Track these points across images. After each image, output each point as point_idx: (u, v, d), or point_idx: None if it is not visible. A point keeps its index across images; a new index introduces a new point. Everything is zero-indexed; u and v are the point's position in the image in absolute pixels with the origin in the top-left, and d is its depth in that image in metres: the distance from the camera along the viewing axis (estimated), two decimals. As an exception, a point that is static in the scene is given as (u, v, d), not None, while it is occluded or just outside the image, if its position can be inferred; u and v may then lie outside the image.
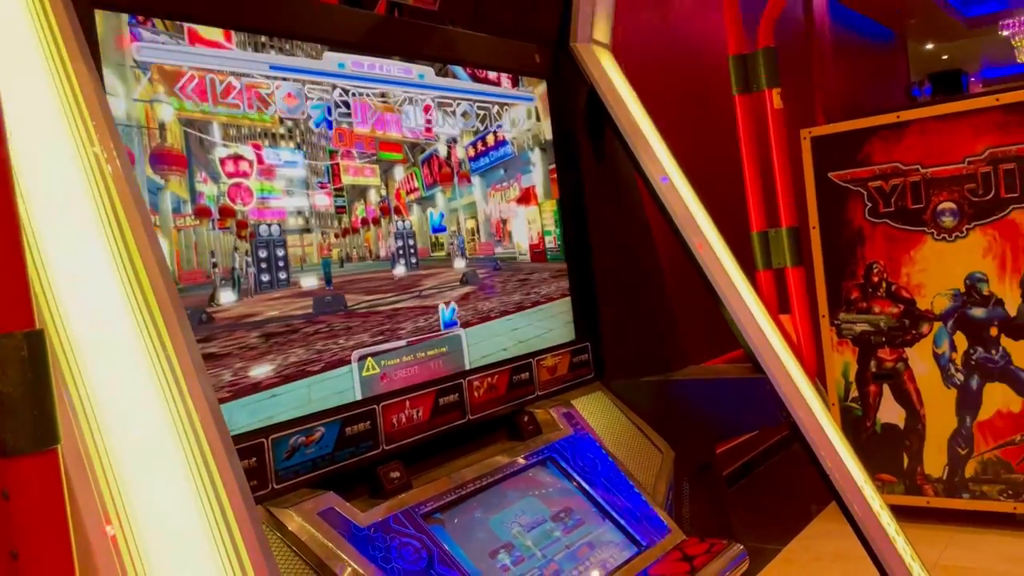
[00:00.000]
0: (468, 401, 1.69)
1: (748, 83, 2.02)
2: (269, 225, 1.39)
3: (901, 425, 3.78)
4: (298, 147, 1.45)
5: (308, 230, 1.45)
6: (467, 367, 1.73)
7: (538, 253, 1.98)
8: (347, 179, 1.55)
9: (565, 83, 2.06)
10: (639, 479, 1.80)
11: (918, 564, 1.90)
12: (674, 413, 2.05)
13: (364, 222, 1.57)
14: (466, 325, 1.75)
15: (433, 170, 1.74)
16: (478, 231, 1.84)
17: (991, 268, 3.51)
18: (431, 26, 1.79)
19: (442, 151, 1.76)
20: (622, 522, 1.65)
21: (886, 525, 1.88)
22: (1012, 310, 3.47)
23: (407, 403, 1.56)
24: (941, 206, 3.60)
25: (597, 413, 1.98)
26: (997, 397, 3.55)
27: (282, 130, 1.42)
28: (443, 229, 1.75)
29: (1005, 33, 8.88)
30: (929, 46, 10.65)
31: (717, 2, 3.51)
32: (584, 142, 2.08)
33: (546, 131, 2.02)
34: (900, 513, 3.87)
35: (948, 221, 3.58)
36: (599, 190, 2.11)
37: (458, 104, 1.80)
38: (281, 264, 1.40)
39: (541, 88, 2.03)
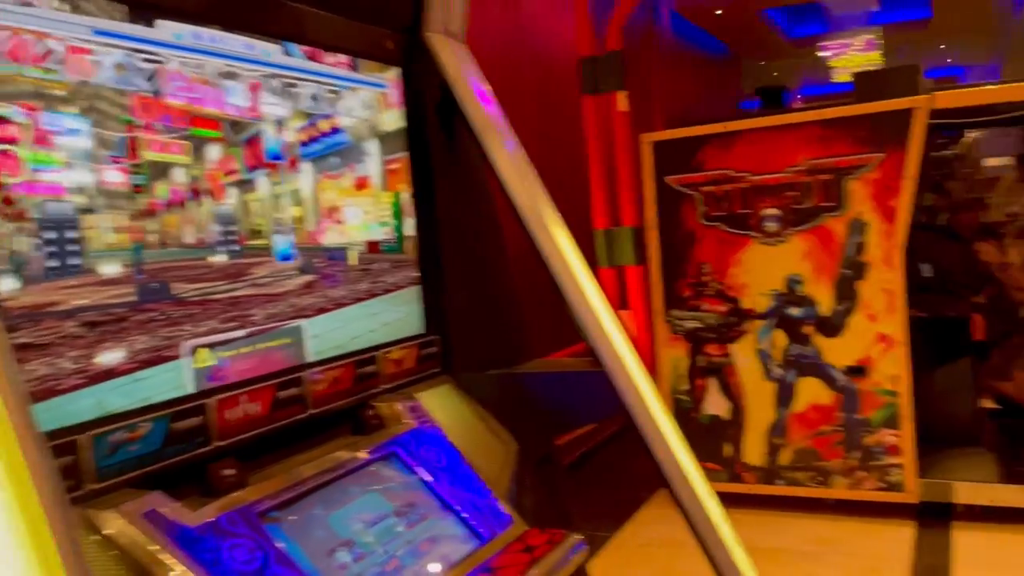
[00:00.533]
0: (310, 395, 1.63)
1: (596, 85, 2.07)
2: (57, 202, 1.26)
3: (725, 416, 4.03)
4: (84, 114, 1.31)
5: (91, 210, 1.31)
6: (309, 359, 1.67)
7: (373, 244, 1.92)
8: (148, 155, 1.42)
9: (418, 72, 2.03)
10: (484, 472, 1.81)
11: (741, 549, 2.02)
12: (518, 406, 2.07)
13: (171, 204, 1.45)
14: (308, 316, 1.69)
15: (256, 152, 1.64)
16: (306, 219, 1.75)
17: (807, 271, 3.79)
18: (278, 1, 1.71)
19: (270, 133, 1.66)
20: (465, 515, 1.65)
21: (713, 513, 1.98)
22: (825, 310, 3.77)
23: (244, 397, 1.48)
24: (766, 212, 3.85)
25: (443, 407, 1.97)
26: (810, 390, 3.85)
27: (64, 93, 1.28)
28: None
29: (824, 54, 9.64)
30: (761, 63, 11.40)
31: (565, 4, 3.58)
32: (436, 133, 2.06)
33: (385, 121, 1.96)
34: (722, 500, 4.11)
35: (772, 226, 3.84)
36: (449, 182, 2.09)
37: (294, 85, 1.72)
38: (75, 248, 1.27)
39: (392, 75, 1.99)
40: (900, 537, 3.61)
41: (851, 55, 9.55)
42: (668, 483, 1.98)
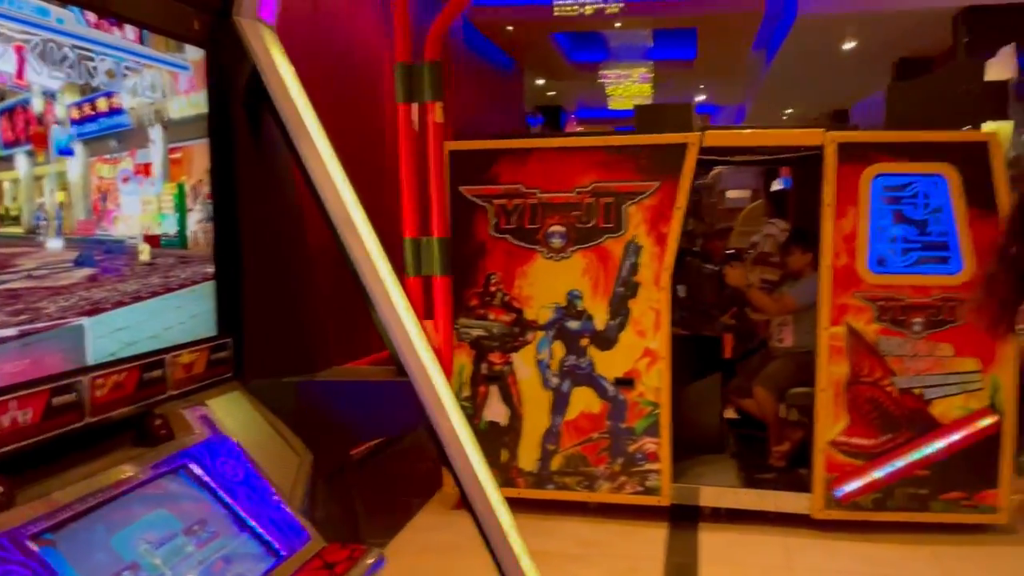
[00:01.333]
0: (88, 401, 1.47)
1: (411, 93, 2.05)
2: None
3: (503, 423, 4.15)
4: None
5: None
6: (89, 362, 1.50)
7: (153, 238, 1.76)
8: None
9: (226, 57, 1.90)
10: (278, 485, 1.72)
11: (528, 555, 2.09)
12: (314, 415, 2.01)
13: None
14: (88, 314, 1.52)
15: (16, 125, 1.45)
16: (73, 206, 1.56)
17: (587, 287, 4.01)
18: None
19: (36, 106, 1.47)
20: (261, 531, 1.57)
21: (505, 521, 2.03)
22: (600, 324, 4.00)
23: (12, 403, 1.31)
24: (552, 228, 4.02)
25: (235, 415, 1.86)
26: (583, 400, 4.07)
27: None
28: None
29: (603, 81, 10.24)
30: (540, 81, 11.90)
31: (377, 8, 3.50)
32: (241, 123, 1.95)
33: (174, 106, 1.81)
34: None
35: (557, 243, 4.01)
36: (252, 175, 1.98)
37: (85, 56, 1.54)
38: None
39: (197, 57, 1.85)
40: (655, 538, 3.90)
41: (627, 84, 10.25)
42: (464, 493, 2.01)
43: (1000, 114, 4.40)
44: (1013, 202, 1.69)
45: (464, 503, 1.99)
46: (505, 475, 4.15)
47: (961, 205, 3.68)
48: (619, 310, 3.98)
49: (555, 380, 4.09)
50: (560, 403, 4.09)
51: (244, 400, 1.94)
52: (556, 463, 4.12)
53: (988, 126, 3.86)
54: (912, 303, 3.74)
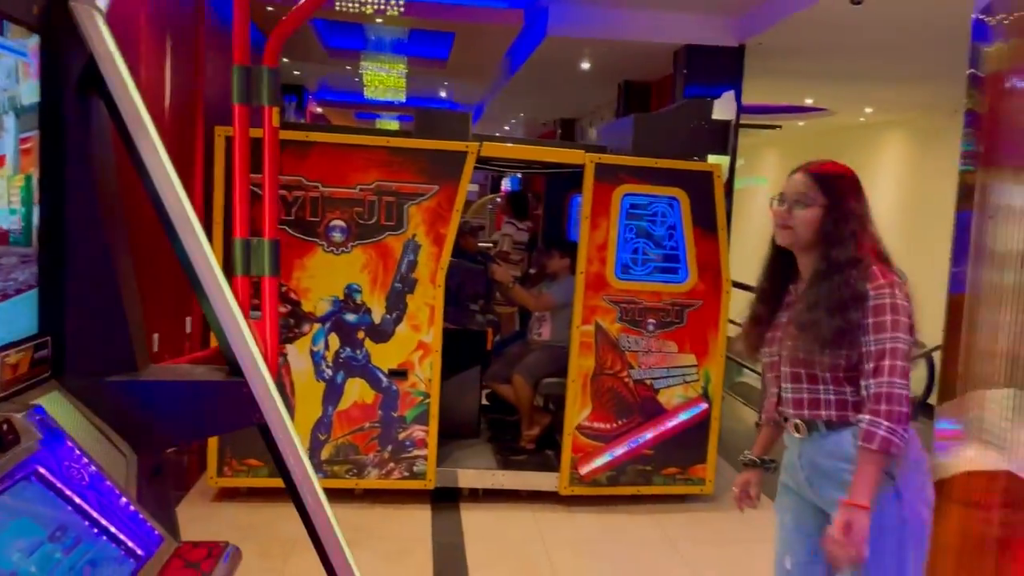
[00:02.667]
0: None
1: (248, 96, 2.10)
2: None
3: (274, 414, 4.15)
4: None
5: None
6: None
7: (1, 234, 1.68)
8: None
9: (59, 44, 1.82)
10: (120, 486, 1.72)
11: (347, 548, 2.23)
12: (137, 415, 1.98)
13: None
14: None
15: None
16: None
17: (366, 281, 4.14)
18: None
19: None
20: (117, 534, 1.57)
21: (331, 518, 2.16)
22: (377, 318, 4.16)
23: None
24: (333, 223, 4.10)
25: (61, 416, 1.80)
26: (356, 390, 4.20)
27: None
28: None
29: (362, 71, 10.24)
30: (285, 60, 11.58)
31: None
32: (74, 112, 1.87)
33: (25, 94, 1.74)
34: (266, 494, 4.20)
35: (337, 237, 4.10)
36: (82, 168, 1.91)
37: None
38: None
39: (33, 43, 1.76)
40: (420, 520, 4.16)
41: (382, 76, 10.35)
42: (296, 489, 2.10)
43: (722, 149, 5.22)
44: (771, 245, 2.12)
45: (293, 499, 2.08)
46: (273, 465, 4.15)
47: (689, 225, 4.34)
48: (396, 305, 4.16)
49: (329, 371, 4.18)
50: (333, 394, 4.19)
51: (66, 401, 1.89)
52: (326, 452, 4.22)
53: (712, 158, 4.57)
54: (648, 306, 4.34)
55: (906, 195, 10.72)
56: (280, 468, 2.07)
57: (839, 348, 1.90)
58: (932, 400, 4.96)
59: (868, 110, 11.08)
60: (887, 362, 1.85)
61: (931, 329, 2.46)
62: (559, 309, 4.59)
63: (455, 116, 4.63)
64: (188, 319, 4.47)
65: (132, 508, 1.66)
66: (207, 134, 4.38)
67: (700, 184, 4.34)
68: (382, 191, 4.11)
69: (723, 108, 5.30)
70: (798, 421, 2.04)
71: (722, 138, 5.18)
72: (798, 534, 2.13)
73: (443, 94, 15.13)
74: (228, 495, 4.22)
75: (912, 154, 11.03)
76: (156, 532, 1.66)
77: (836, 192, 1.99)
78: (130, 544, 1.57)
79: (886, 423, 1.83)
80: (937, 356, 3.39)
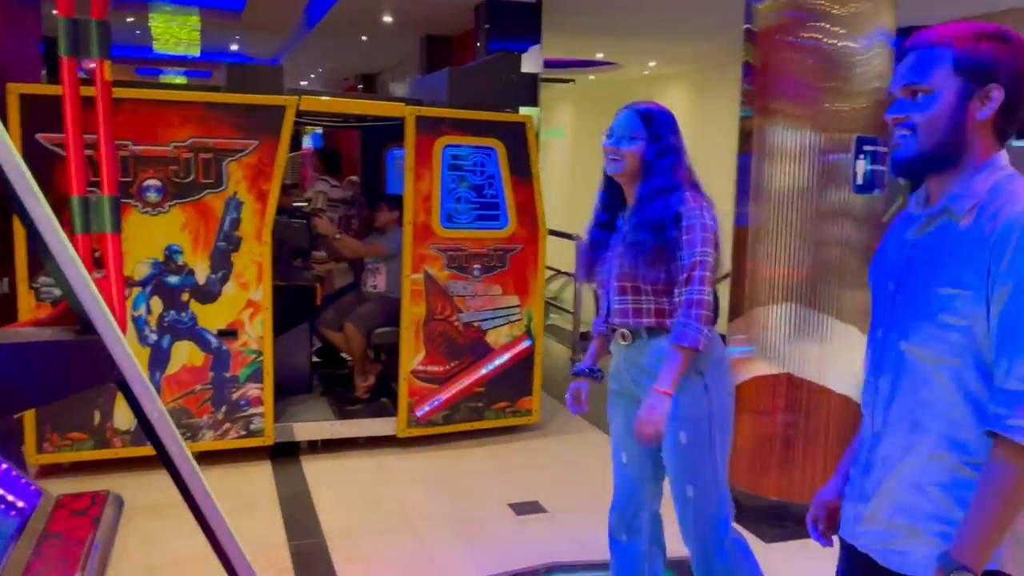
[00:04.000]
0: None
1: (77, 48, 2.05)
2: None
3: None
4: None
5: None
6: None
7: None
8: None
9: None
10: (-13, 448, 1.70)
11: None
12: (-16, 380, 1.93)
13: None
14: None
15: None
16: None
17: (187, 242, 4.04)
18: None
19: None
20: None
21: (200, 475, 2.20)
22: (201, 278, 4.08)
23: None
24: (147, 182, 3.95)
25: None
26: (184, 354, 4.12)
27: None
28: None
29: (151, 24, 9.57)
30: (55, 11, 10.51)
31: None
32: None
33: None
34: (92, 468, 4.07)
35: (153, 197, 3.96)
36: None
37: None
38: None
39: None
40: (262, 475, 4.18)
41: (174, 29, 9.72)
42: (163, 448, 2.12)
43: (532, 101, 5.48)
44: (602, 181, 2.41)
45: (162, 458, 2.10)
46: (99, 437, 4.02)
47: (507, 173, 4.58)
48: (221, 264, 4.10)
49: (154, 336, 4.06)
50: (160, 359, 4.08)
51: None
52: (156, 418, 4.11)
53: (524, 110, 4.82)
54: (472, 252, 4.56)
55: (687, 141, 11.65)
56: (143, 424, 2.09)
57: (659, 263, 2.20)
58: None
59: (652, 63, 11.87)
60: (696, 272, 2.18)
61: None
62: (390, 260, 4.70)
63: (268, 70, 4.56)
64: (5, 280, 4.15)
65: (4, 465, 1.65)
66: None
67: (515, 134, 4.58)
68: (198, 148, 4.01)
69: (531, 61, 5.57)
70: (624, 330, 2.33)
71: (531, 90, 5.46)
72: (625, 429, 2.43)
73: (235, 47, 14.42)
74: (50, 472, 4.02)
75: (691, 104, 11.98)
76: (33, 487, 1.67)
77: (656, 127, 2.28)
78: (10, 498, 1.58)
79: (694, 324, 2.16)
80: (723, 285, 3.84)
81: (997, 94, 1.29)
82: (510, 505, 3.88)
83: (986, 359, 1.25)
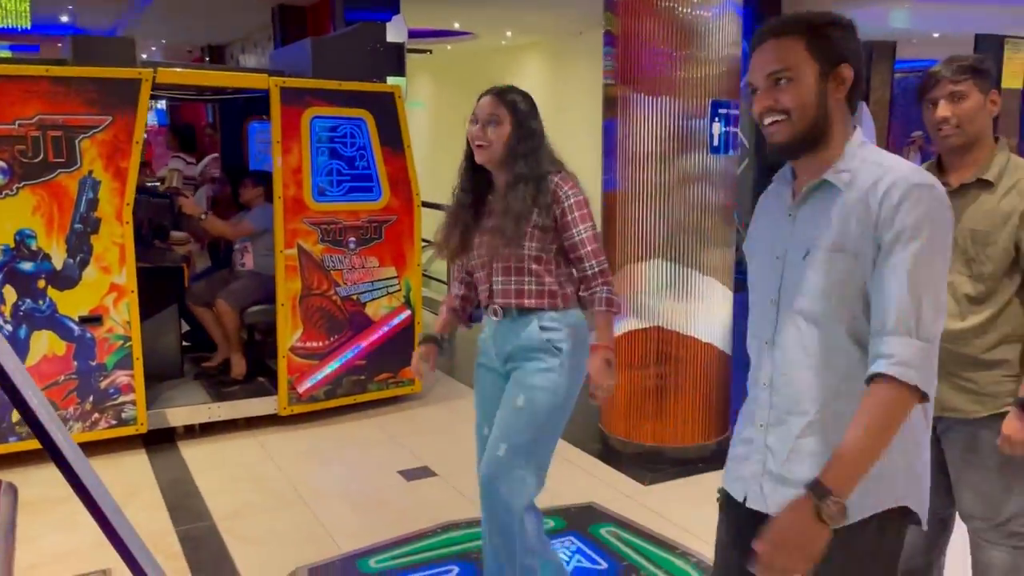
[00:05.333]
0: None
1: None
2: None
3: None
4: None
5: None
6: None
7: None
8: None
9: None
10: None
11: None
12: None
13: None
14: None
15: None
16: None
17: (40, 225, 3.81)
18: None
19: None
20: None
21: (81, 455, 2.13)
22: (59, 264, 3.86)
23: None
24: (-9, 163, 3.68)
25: None
26: (44, 344, 3.89)
27: None
28: None
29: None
30: None
31: None
32: None
33: None
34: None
35: (-2, 179, 3.70)
36: None
37: None
38: None
39: None
40: (139, 463, 4.04)
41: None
42: (47, 434, 2.03)
43: (399, 70, 5.43)
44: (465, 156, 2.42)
45: (46, 446, 2.02)
46: (-48, 438, 3.75)
47: (378, 144, 4.57)
48: (80, 247, 3.89)
49: (9, 327, 3.82)
50: (17, 351, 3.83)
51: None
52: (16, 414, 3.88)
53: (391, 80, 4.80)
54: (347, 225, 4.54)
55: (544, 110, 11.88)
56: (23, 411, 2.00)
57: (530, 244, 2.29)
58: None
59: (508, 33, 11.98)
60: (593, 247, 2.29)
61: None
62: (259, 237, 4.60)
63: (118, 42, 4.34)
64: None
65: None
66: None
67: (383, 105, 4.57)
68: (46, 125, 3.77)
69: (395, 31, 5.53)
70: (497, 307, 2.40)
71: (398, 60, 5.42)
72: (492, 404, 2.49)
73: (65, 19, 13.41)
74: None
75: (549, 73, 12.20)
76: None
77: (520, 112, 2.34)
78: None
79: (611, 289, 2.30)
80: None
81: (848, 73, 1.46)
82: (399, 472, 3.94)
83: (869, 311, 1.40)
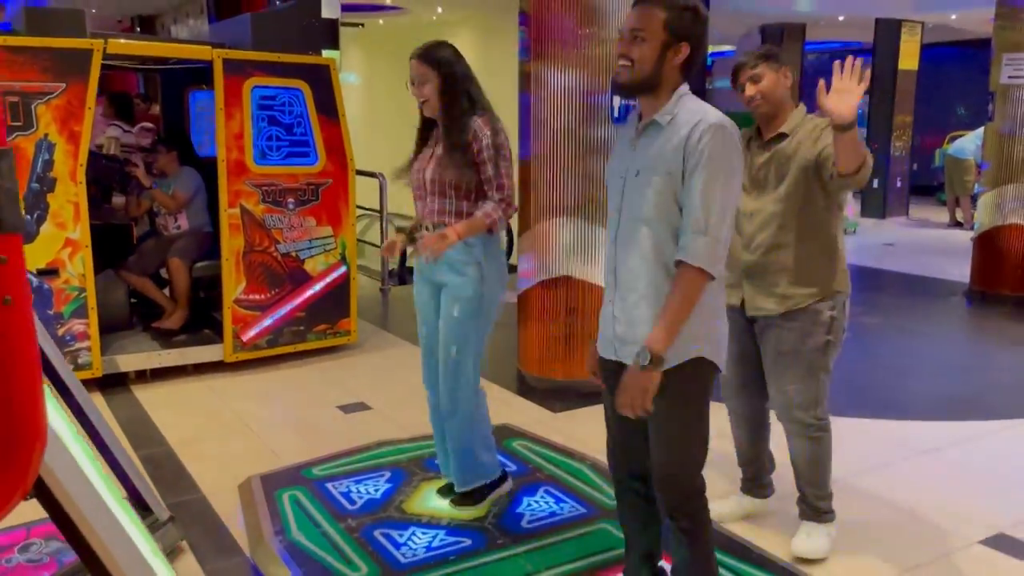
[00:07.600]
0: None
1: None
2: None
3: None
4: None
5: None
6: None
7: None
8: None
9: None
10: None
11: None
12: None
13: None
14: None
15: None
16: None
17: (-1, 184, 4.11)
18: None
19: None
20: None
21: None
22: (17, 220, 4.17)
23: None
24: (-49, 126, 3.97)
25: None
26: None
27: None
28: None
29: None
30: None
31: None
32: None
33: None
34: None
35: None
36: None
37: None
38: None
39: None
40: (96, 404, 4.39)
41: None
42: (57, 377, 2.44)
43: (333, 44, 5.80)
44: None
45: (56, 386, 2.42)
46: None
47: (314, 113, 4.97)
48: (36, 205, 4.22)
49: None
50: (-21, 300, 4.15)
51: None
52: None
53: (327, 53, 5.19)
54: (286, 187, 4.94)
55: (478, 86, 12.29)
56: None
57: (460, 175, 2.79)
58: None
59: (439, 10, 12.33)
60: (498, 181, 2.81)
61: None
62: (191, 199, 4.95)
63: (68, 13, 4.61)
64: None
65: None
66: None
67: (320, 76, 4.96)
68: (5, 91, 4.07)
69: (330, 6, 5.89)
70: (429, 224, 2.91)
71: (332, 34, 5.79)
72: (428, 308, 3.04)
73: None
74: None
75: (478, 48, 12.60)
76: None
77: (444, 64, 2.82)
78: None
79: (501, 213, 2.80)
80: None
81: (685, 50, 1.99)
82: (338, 407, 4.40)
83: (680, 216, 1.95)
